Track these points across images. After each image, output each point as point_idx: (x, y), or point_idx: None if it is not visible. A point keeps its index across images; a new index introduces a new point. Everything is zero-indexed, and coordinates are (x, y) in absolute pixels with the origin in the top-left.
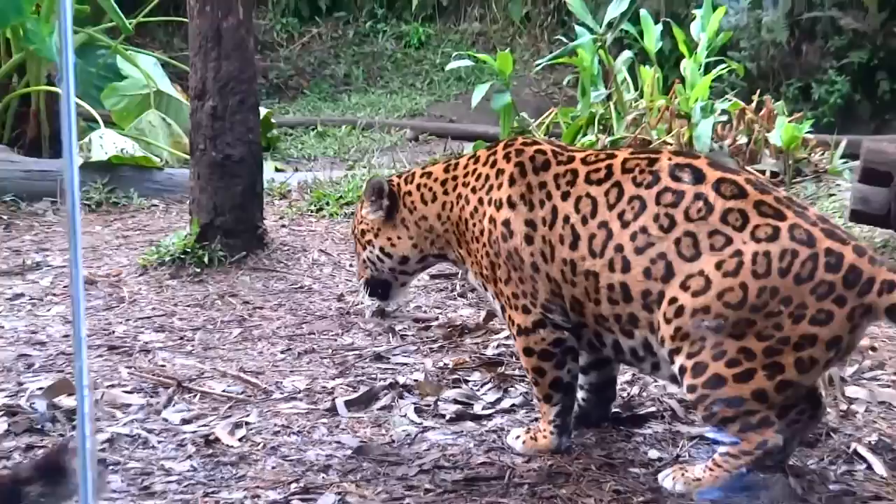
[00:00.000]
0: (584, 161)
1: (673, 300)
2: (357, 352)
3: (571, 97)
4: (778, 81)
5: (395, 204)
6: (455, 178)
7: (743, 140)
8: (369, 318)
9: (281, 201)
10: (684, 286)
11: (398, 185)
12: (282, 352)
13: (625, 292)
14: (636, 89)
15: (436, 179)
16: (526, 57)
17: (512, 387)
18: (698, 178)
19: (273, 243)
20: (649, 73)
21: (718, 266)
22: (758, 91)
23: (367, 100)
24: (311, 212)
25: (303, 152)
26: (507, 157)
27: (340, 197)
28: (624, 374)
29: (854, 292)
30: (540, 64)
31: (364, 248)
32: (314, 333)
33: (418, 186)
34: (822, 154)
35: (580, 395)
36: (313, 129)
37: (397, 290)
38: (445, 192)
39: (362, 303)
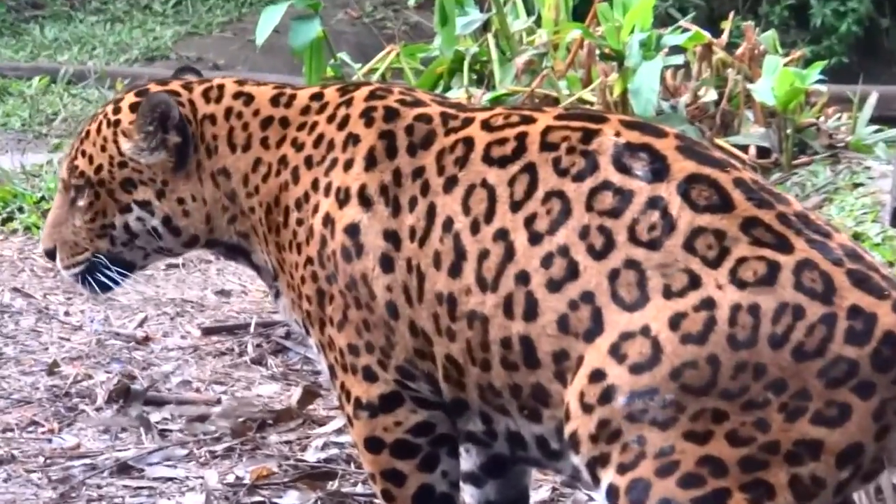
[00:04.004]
0: (486, 125)
1: (597, 375)
2: (88, 460)
3: (418, 27)
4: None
5: (188, 142)
6: (285, 122)
7: (710, 96)
8: (105, 402)
9: None
10: (617, 352)
11: (189, 102)
12: None
13: (528, 351)
14: (530, 14)
15: (256, 112)
16: None
17: None
18: (658, 170)
19: None
20: None
21: (675, 323)
22: (730, 14)
23: (73, 33)
24: None
25: None
26: (368, 118)
27: (42, 198)
28: (537, 488)
29: (888, 377)
30: None
31: (119, 209)
32: (13, 430)
33: (227, 112)
34: (839, 117)
35: None
36: None
37: (130, 274)
38: (265, 143)
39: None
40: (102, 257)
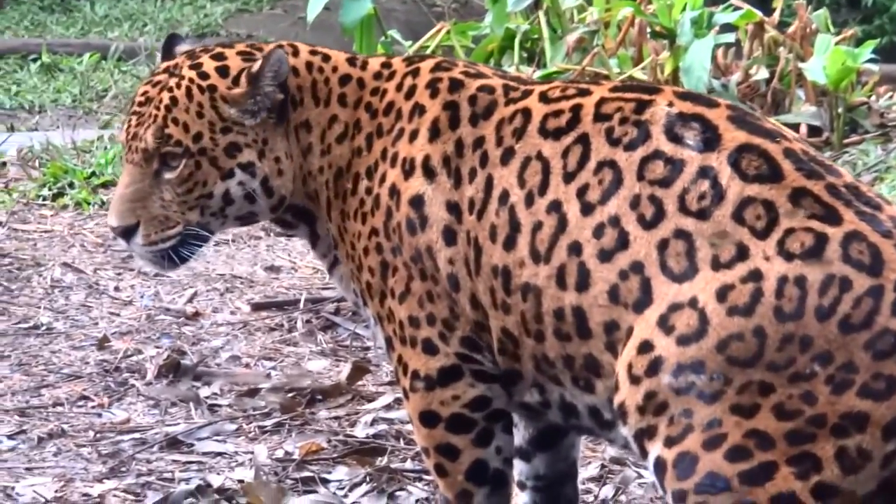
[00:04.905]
0: (543, 97)
1: (645, 346)
2: (138, 434)
3: (468, 4)
4: None
5: (288, 98)
6: (361, 83)
7: (761, 75)
8: (154, 377)
9: None
10: (665, 324)
11: None
12: (10, 436)
13: (580, 322)
14: None
15: (335, 68)
16: None
17: (403, 489)
18: (710, 140)
19: None
20: None
21: (722, 295)
22: None
23: (123, 10)
24: (44, 199)
25: (20, 99)
26: (434, 89)
27: (93, 174)
28: (586, 465)
29: None
30: None
31: (221, 176)
32: (63, 404)
33: (308, 66)
34: (891, 96)
35: (522, 499)
36: (36, 60)
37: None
38: (342, 101)
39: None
40: (193, 229)
